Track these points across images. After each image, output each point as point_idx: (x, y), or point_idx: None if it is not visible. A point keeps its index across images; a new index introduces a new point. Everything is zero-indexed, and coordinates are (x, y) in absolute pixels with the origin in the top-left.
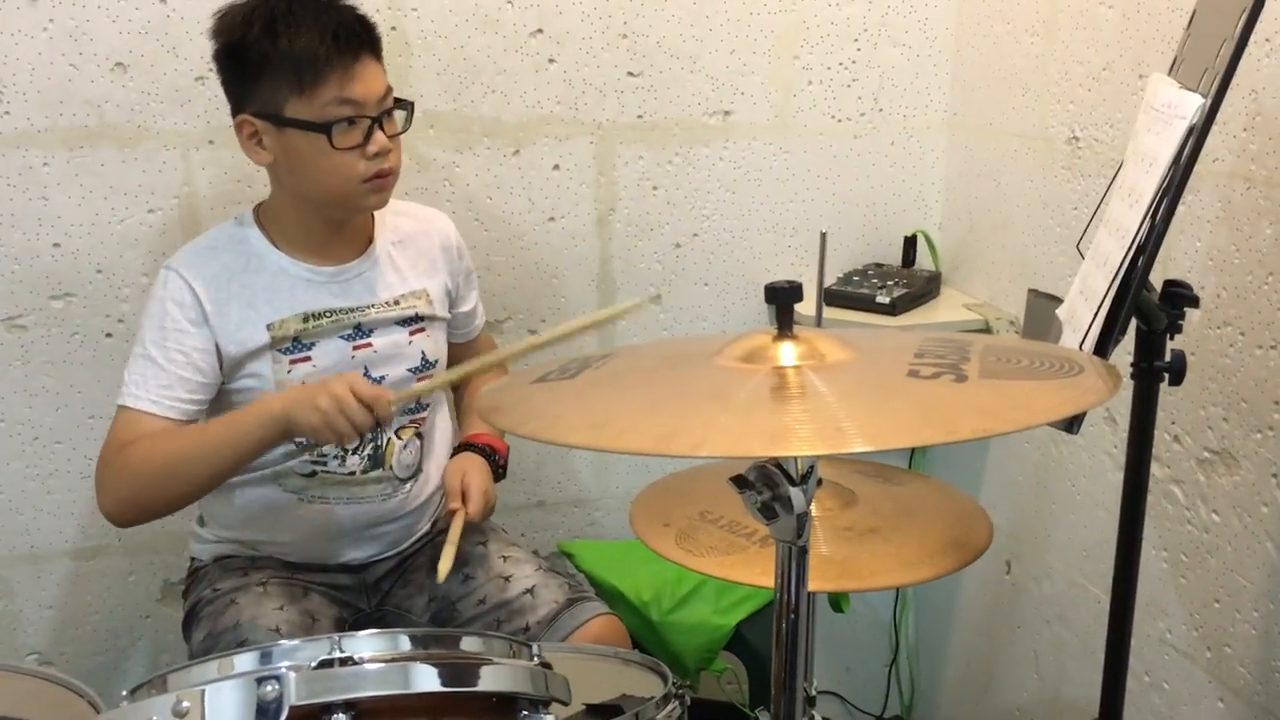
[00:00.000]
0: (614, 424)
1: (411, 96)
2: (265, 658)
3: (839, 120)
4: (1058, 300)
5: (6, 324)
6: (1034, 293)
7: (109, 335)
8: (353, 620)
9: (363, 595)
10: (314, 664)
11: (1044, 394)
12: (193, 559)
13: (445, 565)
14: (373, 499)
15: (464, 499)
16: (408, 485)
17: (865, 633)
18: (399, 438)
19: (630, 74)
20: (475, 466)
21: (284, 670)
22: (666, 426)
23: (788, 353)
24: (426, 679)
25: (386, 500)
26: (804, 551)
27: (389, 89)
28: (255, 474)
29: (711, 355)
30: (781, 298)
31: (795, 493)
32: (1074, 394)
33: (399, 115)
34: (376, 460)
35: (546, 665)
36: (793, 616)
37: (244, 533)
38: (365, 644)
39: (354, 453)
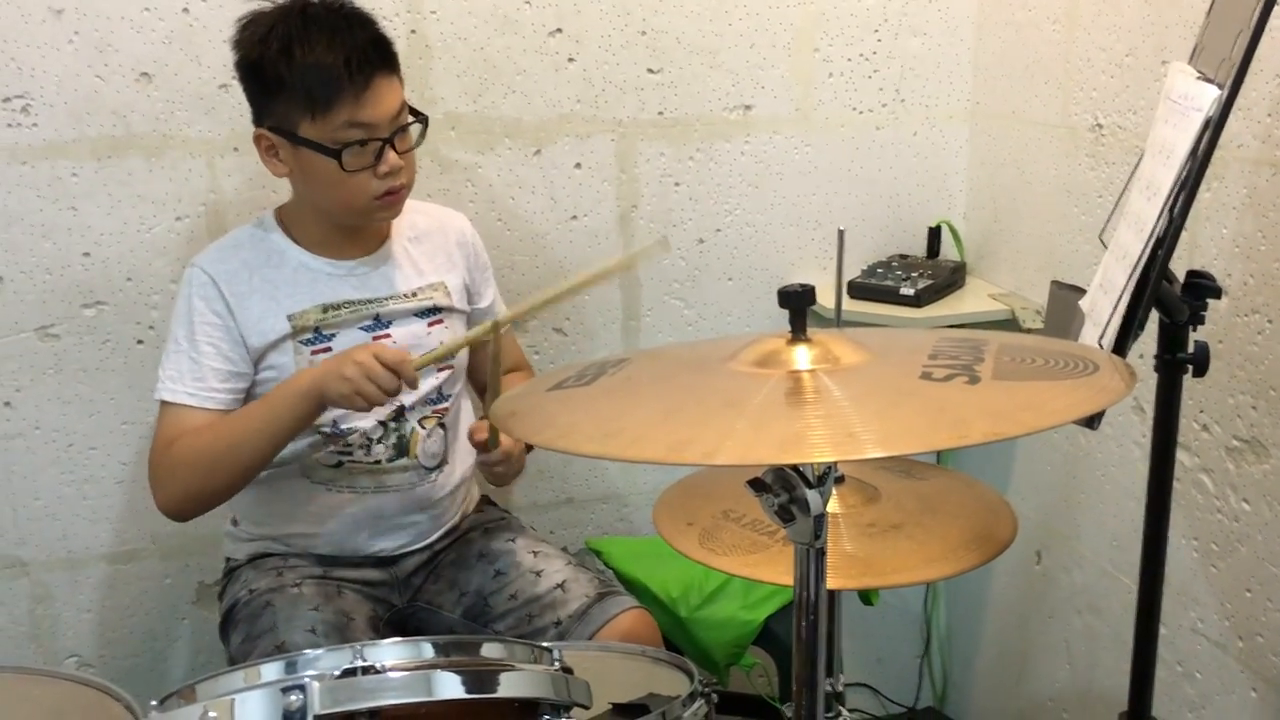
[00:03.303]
0: (627, 433)
1: (432, 99)
2: (290, 667)
3: (860, 112)
4: (1080, 291)
5: (39, 333)
6: (1056, 284)
7: (140, 342)
8: (387, 617)
9: (395, 591)
10: (337, 673)
11: (1057, 395)
12: (228, 559)
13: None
14: (399, 488)
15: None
16: (433, 474)
17: (896, 624)
18: (422, 427)
19: (650, 71)
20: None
21: (308, 680)
22: (680, 435)
23: (802, 356)
24: (449, 686)
25: (413, 489)
26: (822, 553)
27: (403, 105)
28: (284, 467)
29: (726, 360)
30: (794, 302)
31: (812, 495)
32: (1087, 394)
33: (414, 130)
34: (401, 449)
35: (568, 670)
36: (812, 617)
37: (276, 528)
38: (388, 652)
39: (379, 442)
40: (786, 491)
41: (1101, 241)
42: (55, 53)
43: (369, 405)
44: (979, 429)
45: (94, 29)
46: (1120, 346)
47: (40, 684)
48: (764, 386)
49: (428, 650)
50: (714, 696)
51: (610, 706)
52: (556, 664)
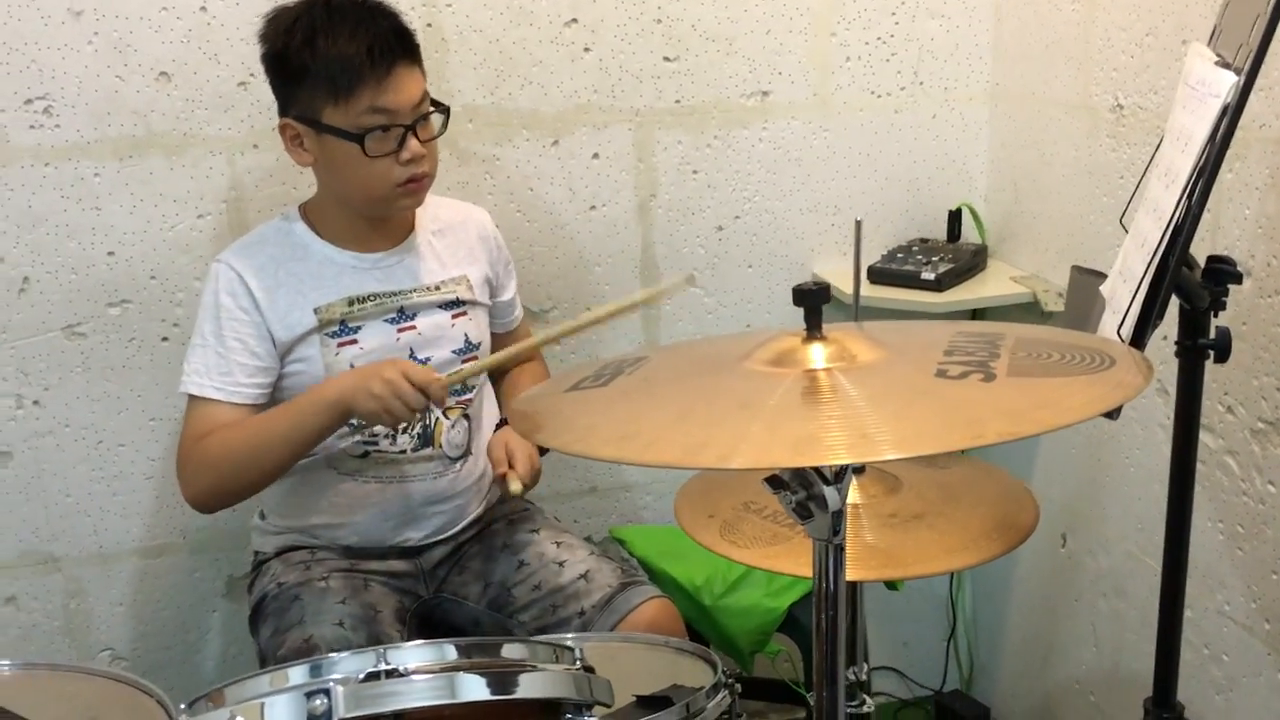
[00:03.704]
0: (643, 435)
1: (449, 91)
2: (315, 670)
3: (879, 96)
4: (1101, 276)
5: (66, 332)
6: (1077, 269)
7: (165, 339)
8: (413, 609)
9: (420, 583)
10: (361, 676)
11: (1072, 391)
12: (256, 553)
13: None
14: (424, 477)
15: (511, 465)
16: (457, 465)
17: (922, 608)
18: (447, 417)
19: (666, 59)
20: (516, 436)
21: (332, 684)
22: (695, 437)
23: (818, 354)
24: (472, 688)
25: (438, 479)
26: (840, 549)
27: (425, 95)
28: (310, 459)
29: (742, 359)
30: (809, 300)
31: (830, 492)
32: (1104, 390)
33: (435, 120)
34: (426, 439)
35: (589, 669)
36: (831, 613)
37: (303, 519)
38: (411, 655)
39: (404, 432)
40: (804, 489)
41: (1122, 225)
42: (75, 54)
43: (395, 422)
44: (994, 429)
45: (113, 29)
46: (1139, 336)
47: (75, 681)
48: (780, 386)
49: (450, 652)
50: (737, 687)
51: (634, 699)
52: (578, 663)
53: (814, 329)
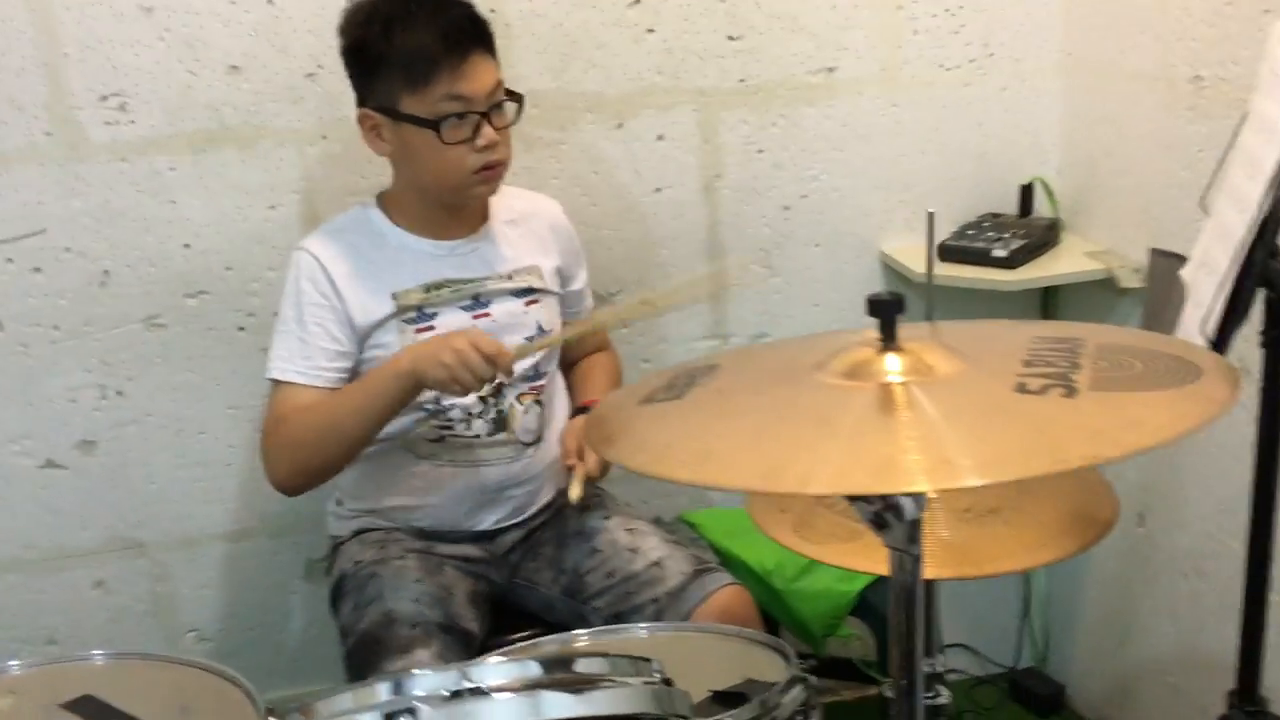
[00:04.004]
0: (720, 457)
1: (514, 77)
2: (398, 688)
3: (948, 69)
4: (1181, 260)
5: (146, 323)
6: (1156, 253)
7: (241, 329)
8: (486, 593)
9: (493, 568)
10: (446, 694)
11: (1158, 408)
12: (332, 536)
13: (576, 490)
14: (498, 462)
15: (580, 457)
16: (530, 450)
17: (995, 584)
18: (519, 404)
19: (730, 38)
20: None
21: (417, 703)
22: (772, 458)
23: (893, 366)
24: (555, 706)
25: (511, 464)
26: (917, 559)
27: (499, 83)
28: (387, 442)
29: (815, 370)
30: (884, 311)
31: (907, 502)
32: (1191, 406)
33: (509, 108)
34: (500, 424)
35: (668, 681)
36: (909, 623)
37: (379, 502)
38: (493, 672)
39: (479, 417)
40: (881, 499)
41: (1202, 207)
42: (148, 50)
43: (465, 391)
44: (1077, 451)
45: (183, 25)
46: (1224, 336)
47: (165, 670)
48: (855, 401)
49: (532, 669)
50: (813, 680)
51: (710, 694)
52: (657, 674)
53: (889, 339)
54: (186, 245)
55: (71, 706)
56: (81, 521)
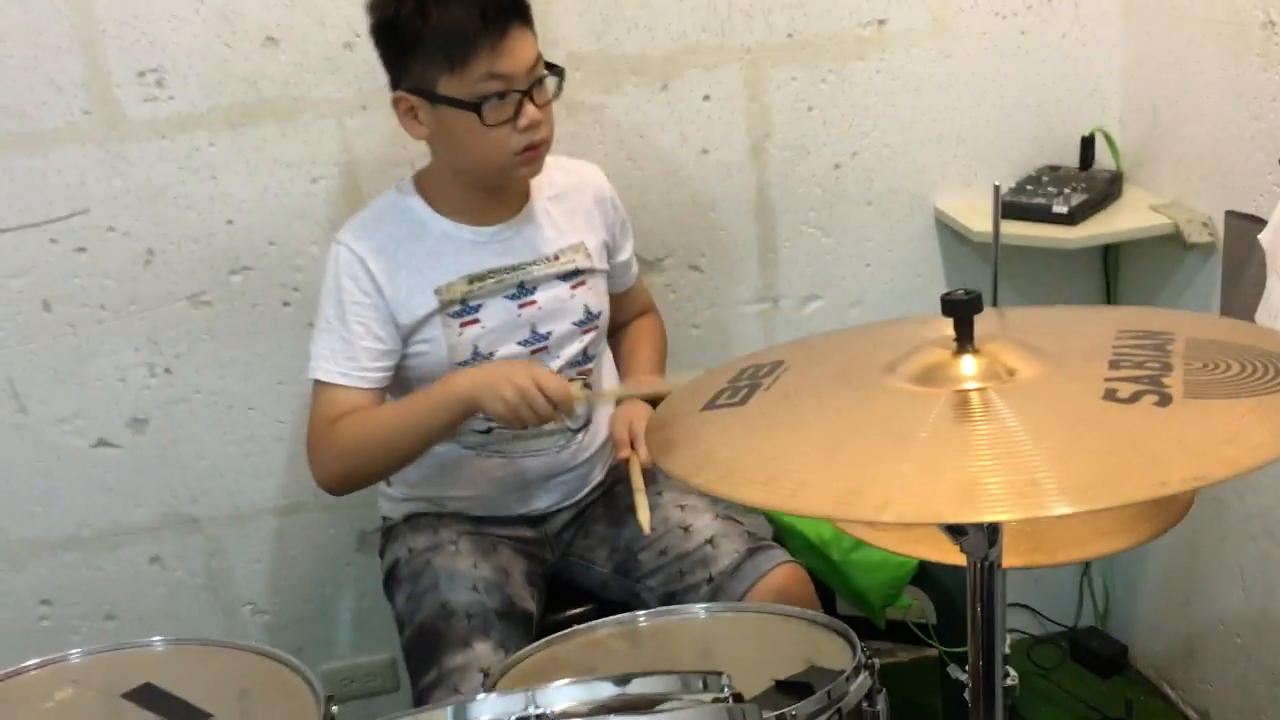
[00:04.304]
0: (790, 477)
1: (554, 40)
2: (461, 712)
3: (1003, 17)
4: (1258, 223)
5: (192, 301)
6: (1232, 215)
7: (286, 304)
8: (541, 571)
9: (547, 548)
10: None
11: (1258, 420)
12: (384, 518)
13: (644, 517)
14: (547, 450)
15: (632, 445)
16: (579, 436)
17: None
18: None
19: None
20: (640, 413)
21: None
22: (846, 480)
23: (968, 368)
24: None
25: (560, 451)
26: (994, 567)
27: (539, 57)
28: None
29: (885, 373)
30: (960, 310)
31: None
32: None
33: (550, 83)
34: None
35: (739, 696)
36: (988, 634)
37: (429, 489)
38: (559, 695)
39: None
40: None
41: None
42: (184, 25)
43: (522, 427)
44: (1178, 473)
45: None
46: None
47: (224, 656)
48: (930, 412)
49: (600, 691)
50: (876, 664)
51: (773, 683)
52: (725, 689)
53: (965, 341)
54: (229, 221)
55: (132, 696)
56: (135, 499)
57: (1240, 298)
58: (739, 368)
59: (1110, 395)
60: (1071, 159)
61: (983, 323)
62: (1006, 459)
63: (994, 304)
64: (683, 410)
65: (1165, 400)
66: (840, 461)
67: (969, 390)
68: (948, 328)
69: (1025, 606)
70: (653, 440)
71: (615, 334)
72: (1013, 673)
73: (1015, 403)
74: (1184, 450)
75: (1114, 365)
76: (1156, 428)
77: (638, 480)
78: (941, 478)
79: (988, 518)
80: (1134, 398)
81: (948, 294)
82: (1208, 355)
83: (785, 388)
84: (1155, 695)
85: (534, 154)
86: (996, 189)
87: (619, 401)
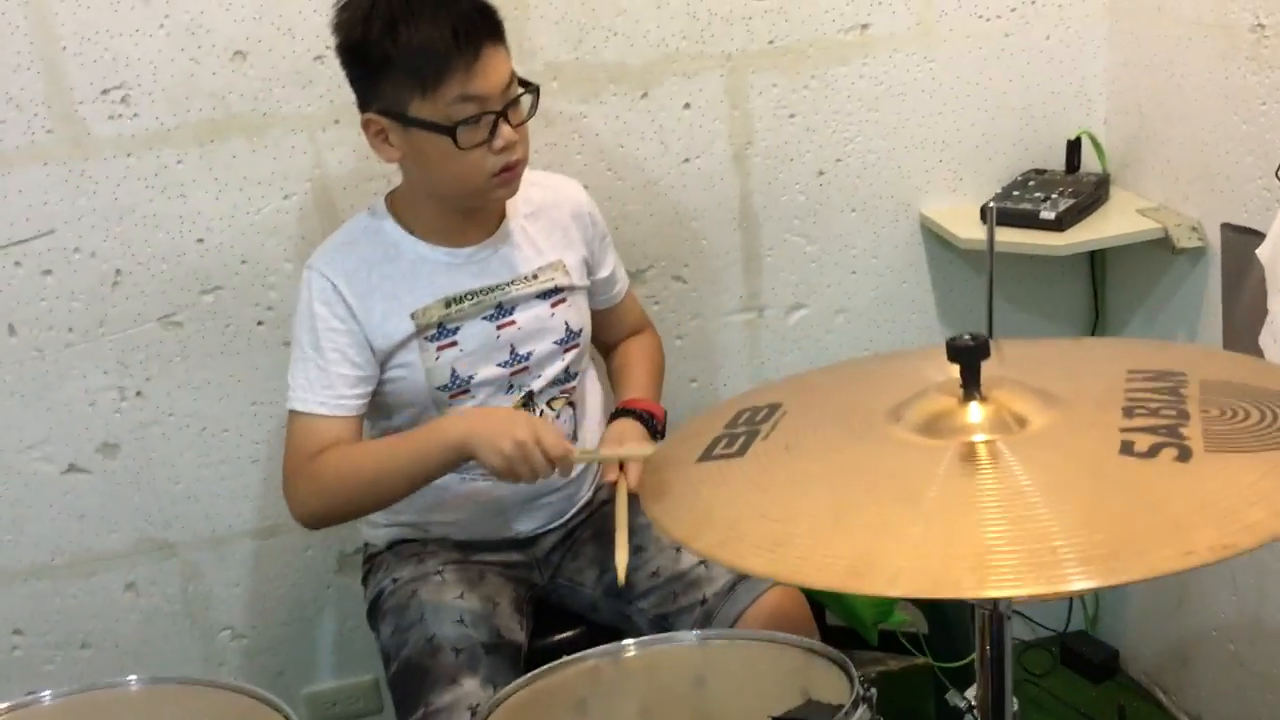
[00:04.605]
0: (797, 542)
1: (531, 50)
2: None
3: (987, 19)
4: (1256, 236)
5: (163, 322)
6: (1229, 229)
7: (260, 323)
8: (529, 596)
9: (535, 570)
10: None
11: None
12: (366, 544)
13: (621, 561)
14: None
15: (621, 468)
16: (575, 472)
17: None
18: (551, 409)
19: None
20: (632, 433)
21: None
22: (854, 547)
23: (975, 416)
24: None
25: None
26: (1003, 618)
27: (513, 75)
28: None
29: (890, 422)
30: (967, 358)
31: None
32: None
33: (525, 101)
34: None
35: None
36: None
37: (412, 515)
38: None
39: None
40: None
41: (1279, 178)
42: (148, 39)
43: (516, 481)
44: (1205, 541)
45: (184, 11)
46: None
47: (203, 695)
48: (938, 466)
49: None
50: (874, 696)
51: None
52: None
53: (971, 388)
54: (199, 240)
55: None
56: (108, 525)
57: (1241, 317)
58: (734, 411)
59: (1128, 449)
60: (1058, 162)
61: (992, 370)
62: (1021, 523)
63: (988, 329)
64: (678, 460)
65: (1186, 455)
66: (847, 526)
67: (977, 442)
68: (949, 364)
69: (1015, 612)
70: (647, 492)
71: (609, 352)
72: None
73: (1027, 456)
74: (1209, 514)
75: (1128, 413)
76: (1178, 487)
77: (621, 515)
78: (954, 545)
79: (1006, 593)
80: (1153, 451)
81: (953, 339)
82: (1224, 400)
83: (785, 436)
84: (1147, 700)
85: (510, 175)
86: (990, 210)
87: (611, 419)
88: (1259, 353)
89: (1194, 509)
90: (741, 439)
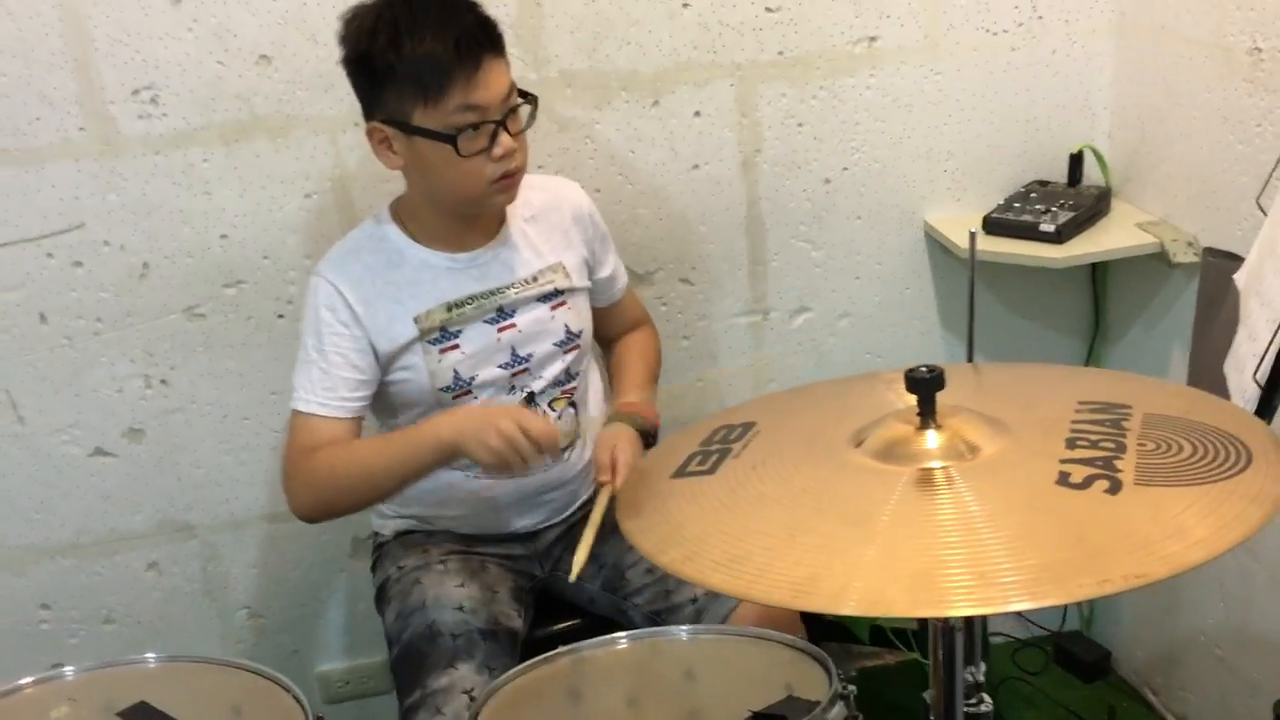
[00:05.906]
0: (753, 561)
1: (546, 57)
2: None
3: (994, 33)
4: (1235, 261)
5: (187, 313)
6: (1210, 253)
7: (280, 316)
8: (529, 587)
9: (536, 563)
10: None
11: (1203, 513)
12: (375, 533)
13: (580, 560)
14: (534, 469)
15: (612, 472)
16: (566, 453)
17: None
18: (552, 409)
19: (768, 9)
20: (625, 440)
21: None
22: (805, 567)
23: (931, 443)
24: None
25: (548, 470)
26: (952, 629)
27: (512, 87)
28: None
29: (851, 446)
30: (923, 389)
31: None
32: (1238, 508)
33: (524, 111)
34: None
35: None
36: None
37: (418, 509)
38: None
39: None
40: None
41: (1260, 207)
42: (176, 42)
43: (509, 470)
44: (1120, 570)
45: (211, 15)
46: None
47: (218, 674)
48: (892, 492)
49: None
50: (853, 690)
51: (750, 715)
52: None
53: (927, 415)
54: (223, 236)
55: (127, 714)
56: (132, 506)
57: (1211, 341)
58: (712, 427)
59: (1064, 479)
60: (1060, 175)
61: (956, 383)
62: (966, 546)
63: (968, 350)
64: (654, 473)
65: (1115, 487)
66: (801, 546)
67: (932, 469)
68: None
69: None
70: (625, 514)
71: (608, 348)
72: (989, 700)
73: (975, 484)
74: (1128, 545)
75: (1070, 444)
76: (1104, 518)
77: (596, 516)
78: (901, 566)
79: (945, 613)
80: (1086, 483)
81: (912, 370)
82: (1162, 434)
83: (754, 456)
84: (1137, 701)
85: (509, 182)
86: (973, 236)
87: (607, 422)
88: (1223, 380)
89: (1115, 540)
90: (715, 456)
